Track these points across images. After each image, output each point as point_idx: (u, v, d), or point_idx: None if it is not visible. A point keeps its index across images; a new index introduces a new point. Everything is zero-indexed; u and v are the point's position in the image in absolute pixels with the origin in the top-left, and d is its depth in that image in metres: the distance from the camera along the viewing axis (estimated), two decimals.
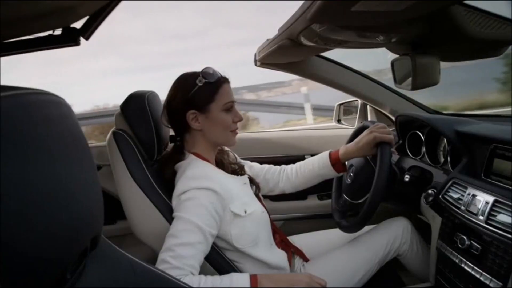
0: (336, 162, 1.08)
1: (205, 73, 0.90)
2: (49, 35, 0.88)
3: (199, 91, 0.89)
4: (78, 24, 0.87)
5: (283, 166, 1.17)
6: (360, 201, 1.06)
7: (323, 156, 1.10)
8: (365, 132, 1.03)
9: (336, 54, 1.28)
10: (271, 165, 1.17)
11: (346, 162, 1.12)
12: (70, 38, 0.90)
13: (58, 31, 0.87)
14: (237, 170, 1.02)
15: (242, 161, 1.11)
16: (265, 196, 1.47)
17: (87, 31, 0.88)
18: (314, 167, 1.11)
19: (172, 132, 1.02)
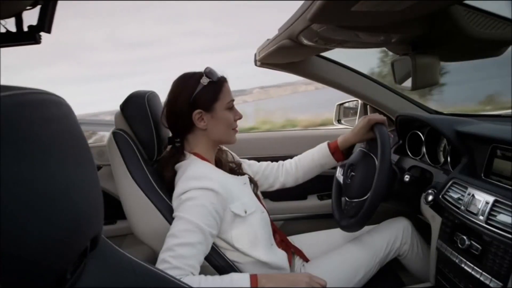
0: (335, 150, 1.13)
1: (208, 73, 0.91)
2: (7, 31, 0.85)
3: (204, 91, 0.90)
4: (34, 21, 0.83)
5: (280, 161, 1.19)
6: (363, 198, 1.05)
7: (322, 147, 1.14)
8: (360, 119, 1.10)
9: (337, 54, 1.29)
10: (269, 162, 1.18)
11: (346, 162, 1.15)
12: (29, 36, 0.86)
13: (12, 27, 0.84)
14: (235, 169, 1.03)
15: (240, 159, 1.11)
16: (265, 196, 1.48)
17: (44, 24, 0.85)
18: (314, 157, 1.14)
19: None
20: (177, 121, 0.93)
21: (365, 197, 1.01)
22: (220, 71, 0.94)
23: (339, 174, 1.18)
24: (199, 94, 0.90)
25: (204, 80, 0.90)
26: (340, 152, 1.13)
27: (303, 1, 0.70)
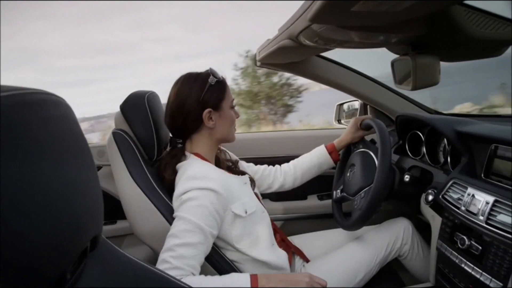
0: (332, 151, 1.20)
1: (214, 73, 0.93)
2: None
3: (212, 90, 0.92)
4: None
5: (277, 165, 1.21)
6: (369, 186, 1.05)
7: (319, 148, 1.21)
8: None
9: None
10: (266, 165, 1.20)
11: (352, 150, 1.21)
12: None
13: None
14: (232, 167, 1.03)
15: (237, 158, 1.12)
16: (265, 196, 1.47)
17: None
18: (312, 158, 1.20)
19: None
20: (185, 121, 0.92)
21: (371, 185, 1.02)
22: (219, 72, 0.95)
23: (336, 196, 1.20)
24: (208, 94, 0.91)
25: (212, 80, 0.92)
26: (337, 152, 1.20)
27: (285, 1, 0.70)
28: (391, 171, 1.04)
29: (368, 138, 1.23)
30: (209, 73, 0.93)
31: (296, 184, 1.20)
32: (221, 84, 0.94)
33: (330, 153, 1.19)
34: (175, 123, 0.94)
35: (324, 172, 1.23)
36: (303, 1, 0.70)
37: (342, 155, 1.25)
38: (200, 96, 0.90)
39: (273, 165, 1.20)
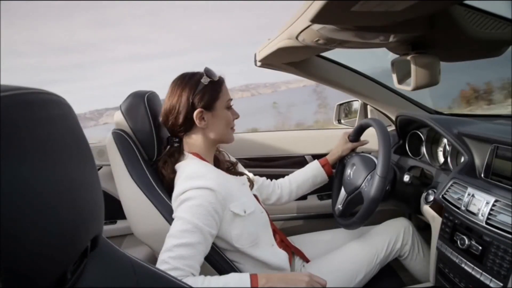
0: (325, 163, 1.23)
1: (208, 72, 0.93)
2: None
3: (204, 90, 0.92)
4: None
5: (274, 180, 1.23)
6: (370, 172, 1.06)
7: (312, 162, 1.26)
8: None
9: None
10: (265, 178, 1.21)
11: (346, 162, 1.20)
12: None
13: None
14: (231, 168, 1.03)
15: (236, 160, 1.12)
16: None
17: None
18: (306, 171, 1.23)
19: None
20: (177, 121, 0.93)
21: (371, 171, 1.03)
22: (217, 71, 0.96)
23: (338, 212, 1.20)
24: (201, 93, 0.91)
25: (205, 80, 0.92)
26: (329, 165, 1.23)
27: (283, 1, 0.70)
28: (391, 169, 1.04)
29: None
30: (203, 73, 0.93)
31: (292, 198, 1.22)
32: (215, 84, 0.94)
33: (323, 166, 1.22)
34: (167, 122, 0.95)
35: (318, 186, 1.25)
36: (295, 1, 0.71)
37: (336, 169, 1.26)
38: (191, 95, 0.91)
39: (271, 165, 1.21)
